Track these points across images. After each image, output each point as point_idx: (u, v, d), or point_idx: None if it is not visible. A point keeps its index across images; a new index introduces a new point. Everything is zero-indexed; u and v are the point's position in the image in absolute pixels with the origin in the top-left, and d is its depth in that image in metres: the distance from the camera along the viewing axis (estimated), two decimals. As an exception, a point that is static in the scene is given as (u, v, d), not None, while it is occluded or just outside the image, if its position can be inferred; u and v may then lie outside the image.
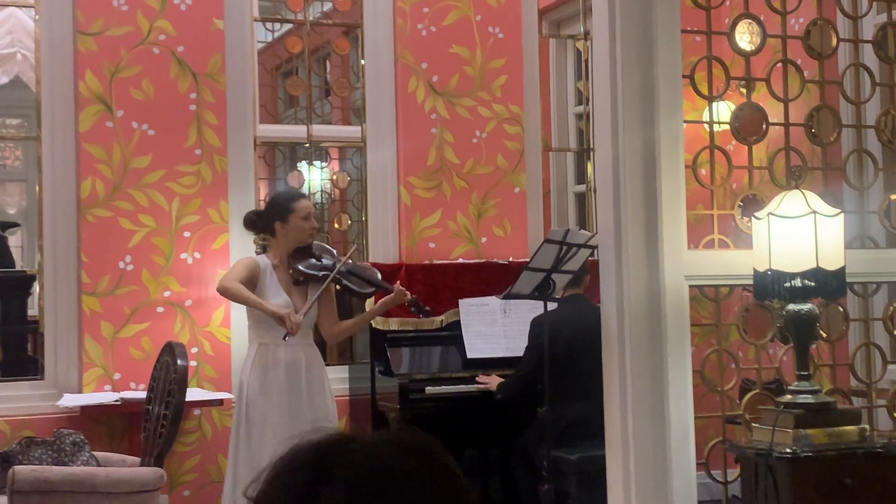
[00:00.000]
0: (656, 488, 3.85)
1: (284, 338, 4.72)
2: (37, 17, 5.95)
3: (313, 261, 4.93)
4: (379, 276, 5.11)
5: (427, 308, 5.10)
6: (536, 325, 5.20)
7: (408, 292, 5.00)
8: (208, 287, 5.90)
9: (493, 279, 5.95)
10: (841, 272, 3.70)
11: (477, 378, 5.61)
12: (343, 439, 1.02)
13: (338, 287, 5.05)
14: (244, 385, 4.86)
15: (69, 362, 5.75)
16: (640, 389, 3.86)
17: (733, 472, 4.11)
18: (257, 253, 5.98)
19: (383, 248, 6.32)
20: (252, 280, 4.87)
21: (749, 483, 3.78)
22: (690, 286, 3.97)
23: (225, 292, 4.86)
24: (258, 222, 5.09)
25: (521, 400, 5.40)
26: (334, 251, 5.17)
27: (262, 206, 6.47)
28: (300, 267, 4.89)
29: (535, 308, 5.22)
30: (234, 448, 4.86)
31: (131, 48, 5.85)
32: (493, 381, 5.54)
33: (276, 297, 4.85)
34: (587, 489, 4.91)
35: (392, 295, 4.97)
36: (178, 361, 4.82)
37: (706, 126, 4.36)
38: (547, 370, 4.87)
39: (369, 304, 5.77)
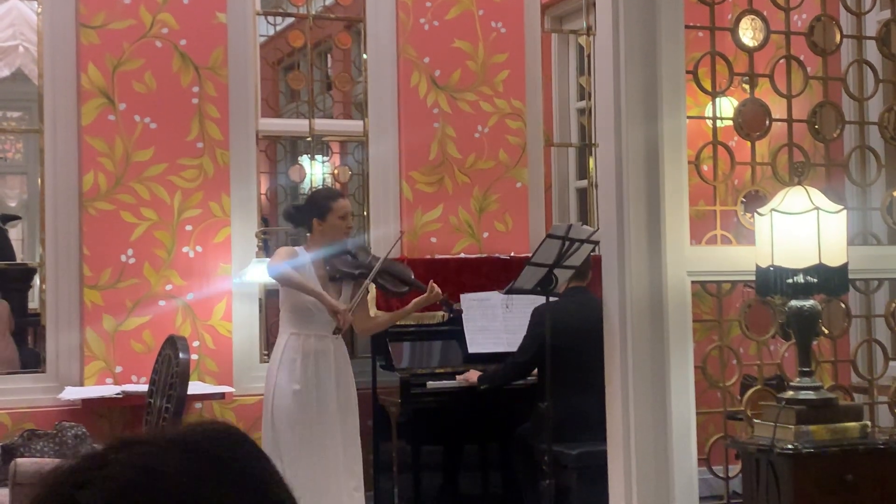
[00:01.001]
0: (657, 483, 3.86)
1: (335, 332, 4.80)
2: (39, 9, 5.94)
3: (349, 258, 4.99)
4: (412, 274, 5.10)
5: (457, 307, 5.16)
6: (538, 314, 5.19)
7: (440, 291, 5.00)
8: (210, 280, 5.91)
9: (495, 274, 5.95)
10: (843, 269, 3.70)
11: (457, 377, 5.62)
12: (99, 454, 0.95)
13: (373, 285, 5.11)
14: (273, 375, 4.86)
15: (71, 355, 5.75)
16: (642, 384, 3.87)
17: (734, 468, 4.12)
18: (258, 247, 6.00)
19: (385, 242, 6.31)
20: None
21: (750, 479, 3.79)
22: (692, 282, 3.97)
23: (281, 278, 4.84)
24: (296, 216, 5.18)
25: (506, 389, 5.41)
26: (369, 248, 5.22)
27: (263, 199, 6.49)
28: (336, 264, 4.94)
29: (536, 303, 5.22)
30: (266, 437, 4.86)
31: (134, 41, 5.85)
32: (471, 376, 5.54)
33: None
34: (588, 484, 4.91)
35: (426, 294, 5.02)
36: (180, 355, 4.82)
37: (709, 122, 4.36)
38: (548, 362, 4.87)
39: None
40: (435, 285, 5.02)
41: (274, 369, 4.88)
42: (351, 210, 5.15)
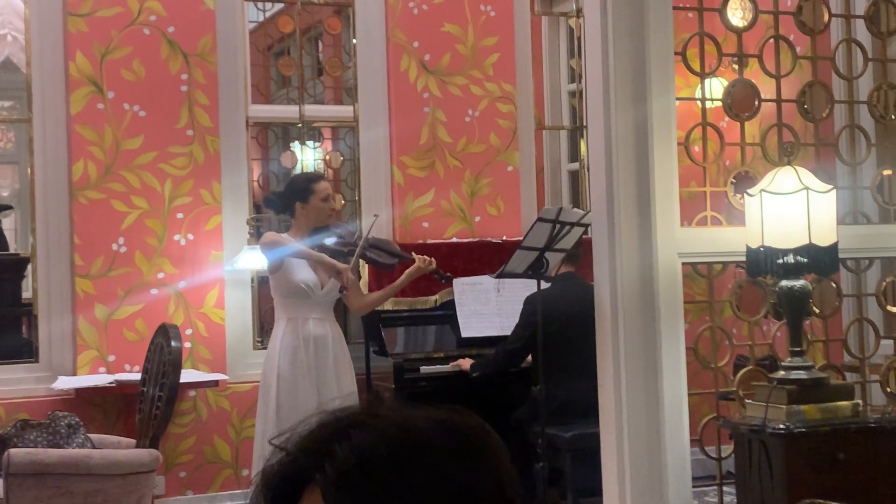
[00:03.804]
0: (650, 465, 3.86)
1: (341, 291, 4.85)
2: (26, -2, 5.92)
3: (335, 238, 5.00)
4: (399, 248, 5.16)
5: (448, 274, 5.16)
6: (530, 303, 5.20)
7: (432, 260, 5.02)
8: (202, 268, 5.90)
9: (487, 258, 5.95)
10: (833, 248, 3.70)
11: (451, 364, 5.63)
12: (364, 411, 0.99)
13: (362, 260, 5.10)
14: (274, 361, 4.83)
15: (63, 345, 5.75)
16: (634, 367, 3.87)
17: (727, 448, 4.13)
18: (250, 234, 5.99)
19: (377, 227, 6.29)
20: None
21: (743, 459, 3.79)
22: (683, 263, 3.97)
23: (292, 254, 4.84)
24: (277, 202, 5.18)
25: (500, 375, 5.43)
26: (353, 227, 5.24)
27: (256, 186, 6.47)
28: (324, 245, 4.95)
29: (528, 286, 5.22)
30: (263, 425, 4.84)
31: (122, 29, 5.83)
32: (464, 363, 5.55)
33: (304, 275, 4.86)
34: (582, 467, 4.92)
35: (416, 265, 5.01)
36: (172, 343, 4.82)
37: (699, 103, 4.35)
38: (541, 348, 4.87)
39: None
40: (424, 256, 5.04)
41: (275, 357, 4.83)
42: (332, 192, 5.13)
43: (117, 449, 4.84)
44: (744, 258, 3.82)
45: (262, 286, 6.10)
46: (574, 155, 7.36)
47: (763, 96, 4.26)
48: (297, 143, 6.97)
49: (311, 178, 5.15)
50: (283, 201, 5.07)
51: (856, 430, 3.71)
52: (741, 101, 4.24)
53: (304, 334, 4.85)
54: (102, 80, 5.78)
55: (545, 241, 4.82)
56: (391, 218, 6.29)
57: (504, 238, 6.24)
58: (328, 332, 4.90)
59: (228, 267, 5.91)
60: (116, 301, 5.74)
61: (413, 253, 5.09)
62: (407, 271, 5.05)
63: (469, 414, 1.03)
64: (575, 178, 7.34)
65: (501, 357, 5.41)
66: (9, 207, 9.40)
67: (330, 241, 4.99)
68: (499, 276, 5.12)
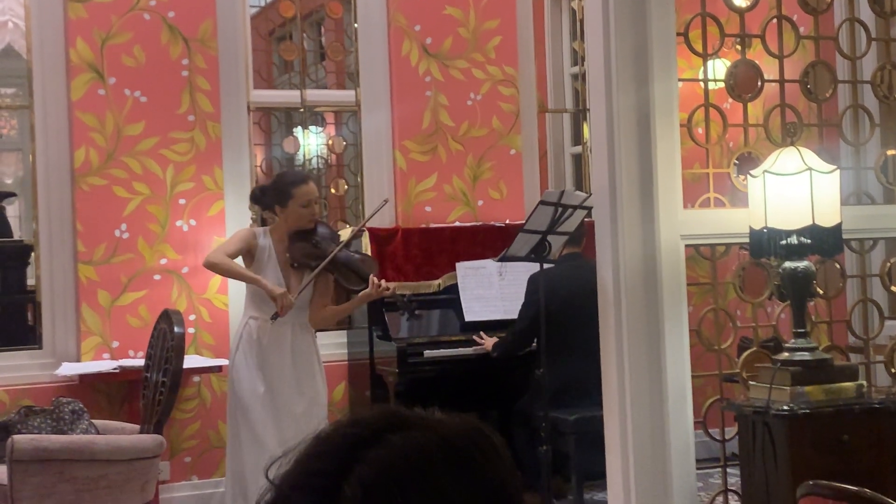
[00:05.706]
0: (654, 447, 3.86)
1: (273, 318, 4.67)
2: (26, -16, 5.89)
3: (311, 248, 4.82)
4: (375, 269, 4.96)
5: (415, 307, 5.05)
6: (533, 282, 5.19)
7: (386, 286, 4.85)
8: (205, 254, 5.88)
9: (490, 242, 5.94)
10: (837, 229, 3.68)
11: (474, 336, 5.62)
12: (378, 429, 1.00)
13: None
14: (232, 359, 4.84)
15: (67, 331, 5.75)
16: (637, 349, 3.86)
17: (731, 430, 4.12)
18: (252, 219, 5.96)
19: (379, 212, 6.28)
20: (250, 252, 4.80)
21: (747, 441, 3.79)
22: (686, 245, 3.96)
23: (213, 268, 4.78)
24: (261, 199, 5.02)
25: (515, 356, 5.43)
26: (339, 235, 5.07)
27: (259, 172, 6.45)
28: (297, 252, 4.81)
29: (531, 270, 5.22)
30: (230, 423, 4.83)
31: (122, 14, 5.81)
32: (488, 342, 5.55)
33: (272, 277, 4.78)
34: (585, 450, 4.92)
35: (367, 290, 4.85)
36: (175, 329, 4.82)
37: (701, 84, 4.33)
38: (543, 329, 4.86)
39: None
40: (382, 282, 4.86)
41: (233, 352, 4.83)
42: (317, 196, 4.89)
43: (121, 435, 4.84)
44: (747, 240, 3.80)
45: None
46: (577, 138, 7.34)
47: (766, 77, 4.23)
48: (299, 128, 6.95)
49: (293, 182, 4.88)
50: (266, 199, 4.94)
51: (860, 411, 3.70)
52: (744, 82, 4.22)
53: (259, 334, 4.76)
54: (103, 66, 5.77)
55: (547, 224, 4.81)
56: (394, 202, 6.27)
57: (507, 222, 6.22)
58: (287, 335, 4.78)
59: (231, 252, 5.89)
60: (119, 287, 5.74)
61: (372, 277, 4.85)
62: (359, 295, 4.92)
63: (476, 426, 1.05)
64: (578, 161, 7.32)
65: (511, 338, 5.43)
66: (12, 194, 9.40)
67: (302, 250, 4.81)
68: (501, 260, 5.12)
